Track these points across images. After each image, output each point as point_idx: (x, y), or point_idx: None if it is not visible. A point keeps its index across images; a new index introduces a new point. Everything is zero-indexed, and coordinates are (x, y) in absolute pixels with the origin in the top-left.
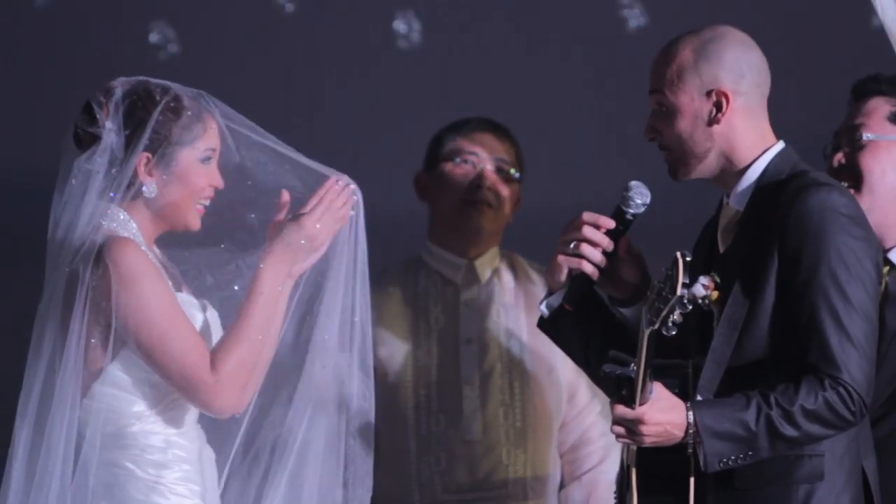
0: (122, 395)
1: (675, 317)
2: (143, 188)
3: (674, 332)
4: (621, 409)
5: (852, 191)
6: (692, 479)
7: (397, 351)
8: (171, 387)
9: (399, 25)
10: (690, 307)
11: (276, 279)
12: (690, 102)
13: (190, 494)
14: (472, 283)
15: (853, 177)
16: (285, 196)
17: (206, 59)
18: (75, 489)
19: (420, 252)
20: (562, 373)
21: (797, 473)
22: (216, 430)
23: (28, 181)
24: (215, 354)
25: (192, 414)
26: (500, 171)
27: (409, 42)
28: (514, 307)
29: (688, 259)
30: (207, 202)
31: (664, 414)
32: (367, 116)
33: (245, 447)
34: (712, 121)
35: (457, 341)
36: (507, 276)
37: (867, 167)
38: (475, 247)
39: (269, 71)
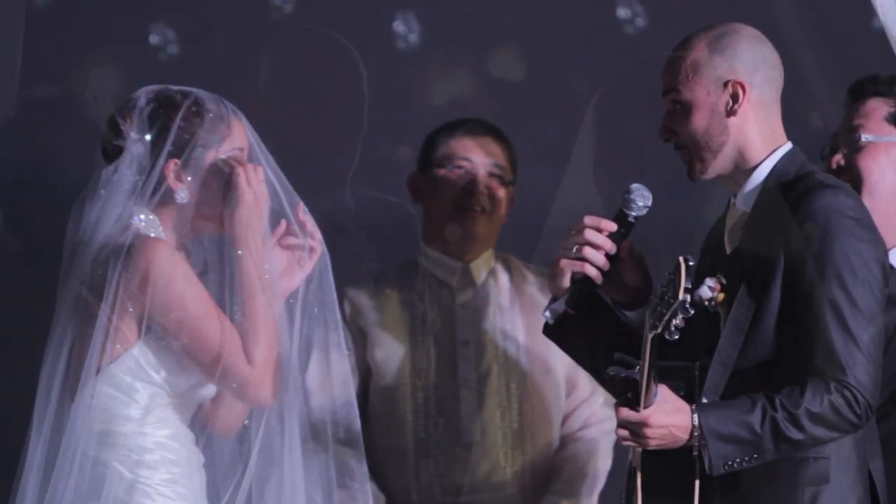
0: (118, 395)
1: (677, 321)
2: (176, 195)
3: (676, 337)
4: (626, 412)
5: None
6: (697, 482)
7: (395, 353)
8: (216, 386)
9: (399, 26)
10: (693, 312)
11: (255, 262)
12: (706, 96)
13: (176, 497)
14: (467, 286)
15: (852, 178)
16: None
17: (206, 60)
18: (66, 486)
19: (416, 253)
20: (559, 372)
21: (802, 476)
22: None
23: (28, 181)
24: (245, 349)
25: (184, 417)
26: (493, 175)
27: (408, 42)
28: (510, 309)
29: (691, 264)
30: None
31: (669, 417)
32: (367, 116)
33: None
34: (729, 112)
35: (454, 343)
36: (502, 278)
37: (866, 169)
38: (470, 251)
39: (268, 71)
